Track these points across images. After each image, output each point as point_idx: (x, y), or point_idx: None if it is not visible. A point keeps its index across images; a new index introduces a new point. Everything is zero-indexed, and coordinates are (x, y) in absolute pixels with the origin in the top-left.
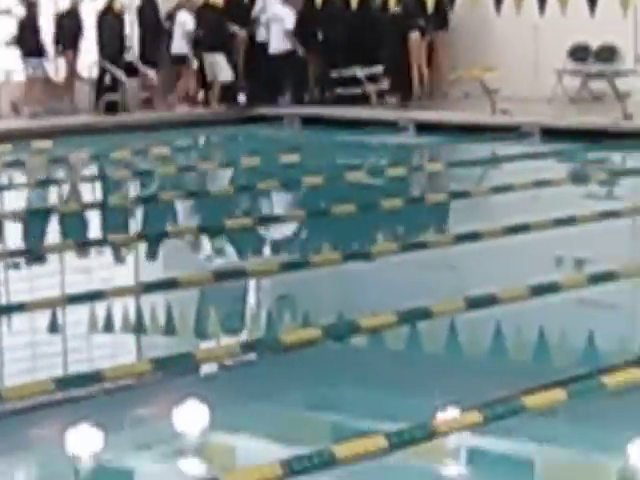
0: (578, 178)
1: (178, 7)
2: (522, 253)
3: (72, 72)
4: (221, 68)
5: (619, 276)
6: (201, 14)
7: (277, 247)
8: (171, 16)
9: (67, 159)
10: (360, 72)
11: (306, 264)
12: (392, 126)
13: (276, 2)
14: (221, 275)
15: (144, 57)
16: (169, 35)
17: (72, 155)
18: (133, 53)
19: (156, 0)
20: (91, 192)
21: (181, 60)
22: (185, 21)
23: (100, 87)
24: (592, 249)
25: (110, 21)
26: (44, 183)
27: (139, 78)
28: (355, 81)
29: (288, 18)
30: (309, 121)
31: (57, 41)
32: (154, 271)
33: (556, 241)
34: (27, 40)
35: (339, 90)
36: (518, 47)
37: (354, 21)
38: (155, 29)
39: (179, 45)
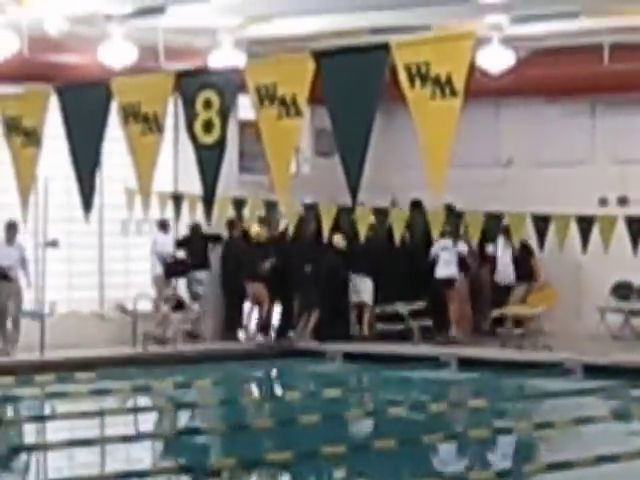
0: (620, 415)
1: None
2: None
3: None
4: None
5: None
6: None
7: None
8: None
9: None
10: (403, 308)
11: None
12: (435, 361)
13: None
14: None
15: None
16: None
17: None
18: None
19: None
20: (133, 423)
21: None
22: None
23: None
24: None
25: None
26: (86, 414)
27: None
28: (398, 317)
29: None
30: (351, 356)
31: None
32: None
33: (600, 478)
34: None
35: (381, 326)
36: (561, 284)
37: (399, 257)
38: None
39: None
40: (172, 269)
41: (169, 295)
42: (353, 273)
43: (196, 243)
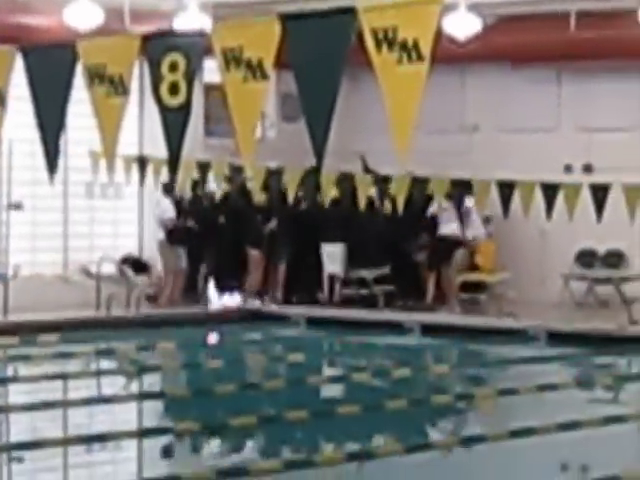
0: (583, 382)
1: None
2: (526, 456)
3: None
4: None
5: None
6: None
7: (281, 446)
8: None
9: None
10: (368, 274)
11: (309, 463)
12: (397, 328)
13: None
14: (224, 473)
15: None
16: None
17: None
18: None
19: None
20: (96, 386)
21: None
22: None
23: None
24: (596, 453)
25: None
26: (49, 377)
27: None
28: (362, 282)
29: None
30: (315, 321)
31: None
32: (157, 468)
33: (560, 445)
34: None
35: (346, 291)
36: (526, 251)
37: (361, 223)
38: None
39: None
40: (175, 236)
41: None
42: (324, 241)
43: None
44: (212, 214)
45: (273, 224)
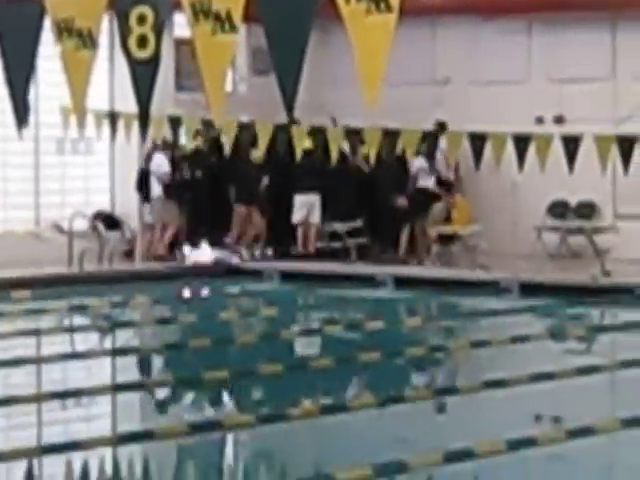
0: (556, 334)
1: None
2: (500, 408)
3: None
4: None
5: (596, 432)
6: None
7: (255, 400)
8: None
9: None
10: (340, 227)
11: (283, 417)
12: (370, 281)
13: None
14: (198, 427)
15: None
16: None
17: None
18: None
19: None
20: (69, 343)
21: None
22: None
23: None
24: (570, 404)
25: None
26: (22, 333)
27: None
28: (335, 236)
29: None
30: (288, 275)
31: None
32: (130, 422)
33: (534, 396)
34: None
35: (319, 244)
36: (498, 203)
37: (333, 176)
38: None
39: None
40: (171, 190)
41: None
42: (298, 192)
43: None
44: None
45: (266, 180)
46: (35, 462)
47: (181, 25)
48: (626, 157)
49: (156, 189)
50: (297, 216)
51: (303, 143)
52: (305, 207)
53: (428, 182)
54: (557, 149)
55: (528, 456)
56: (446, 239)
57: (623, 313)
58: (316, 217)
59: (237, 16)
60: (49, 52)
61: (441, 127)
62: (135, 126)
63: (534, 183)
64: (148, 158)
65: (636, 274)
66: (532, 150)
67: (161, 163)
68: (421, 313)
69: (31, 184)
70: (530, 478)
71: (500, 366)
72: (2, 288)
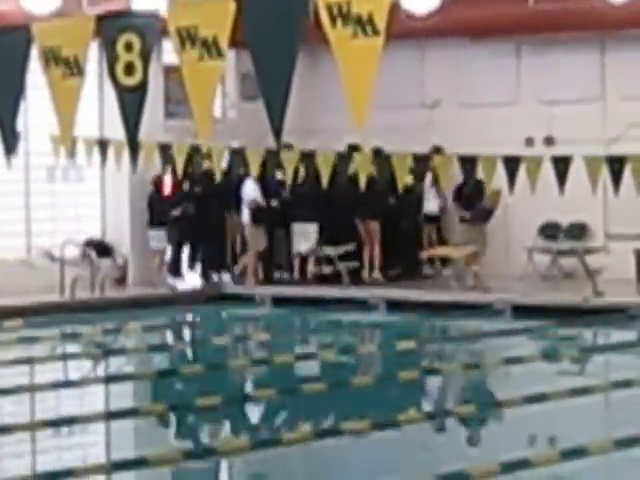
0: (549, 355)
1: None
2: (494, 430)
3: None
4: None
5: (590, 452)
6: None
7: (248, 426)
8: None
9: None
10: (332, 251)
11: (277, 442)
12: (363, 304)
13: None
14: (191, 454)
15: None
16: None
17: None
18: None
19: None
20: (62, 370)
21: None
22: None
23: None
24: (563, 426)
25: None
26: (14, 362)
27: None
28: (327, 260)
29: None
30: (280, 300)
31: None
32: (124, 449)
33: (528, 418)
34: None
35: (311, 269)
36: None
37: (326, 199)
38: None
39: None
40: (259, 216)
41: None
42: (295, 221)
43: None
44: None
45: (276, 202)
46: None
47: (170, 52)
48: (616, 178)
49: (245, 216)
50: (301, 246)
51: (292, 168)
52: (304, 236)
53: (433, 206)
54: (547, 170)
55: (522, 478)
56: (439, 262)
57: (616, 333)
58: (313, 244)
59: (224, 41)
60: (40, 80)
61: (437, 151)
62: (125, 153)
63: (525, 205)
64: (157, 183)
65: (628, 294)
66: (522, 172)
67: (250, 189)
68: (414, 336)
69: (22, 212)
70: None
71: (494, 388)
72: None
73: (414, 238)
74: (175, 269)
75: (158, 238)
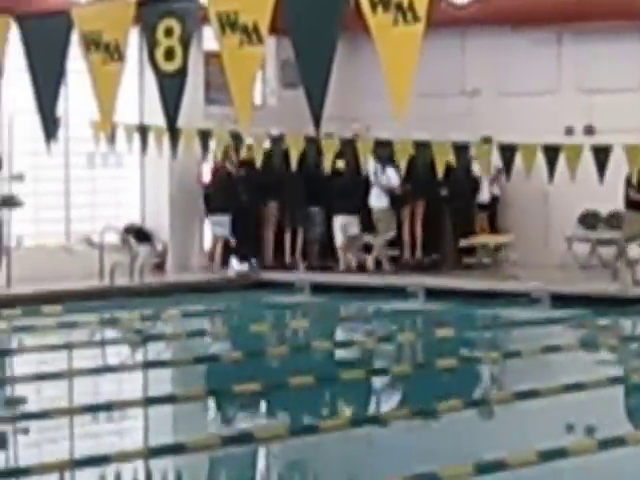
0: (588, 344)
1: None
2: (532, 419)
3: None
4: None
5: (627, 442)
6: None
7: (286, 413)
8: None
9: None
10: (372, 239)
11: (315, 429)
12: (402, 292)
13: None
14: (230, 440)
15: None
16: None
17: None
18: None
19: None
20: (101, 356)
21: None
22: None
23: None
24: (602, 414)
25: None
26: (54, 347)
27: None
28: (366, 248)
29: None
30: (319, 288)
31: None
32: (162, 435)
33: (566, 407)
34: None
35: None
36: (529, 213)
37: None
38: None
39: None
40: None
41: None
42: (338, 214)
43: None
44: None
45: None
46: (67, 475)
47: (211, 39)
48: None
49: (384, 200)
50: (339, 241)
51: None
52: (344, 229)
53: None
54: (587, 159)
55: (560, 467)
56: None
57: None
58: (355, 231)
59: (264, 28)
60: (80, 66)
61: (486, 142)
62: (166, 139)
63: (565, 193)
64: (216, 170)
65: None
66: (562, 160)
67: (391, 175)
68: (452, 324)
69: (62, 198)
70: None
71: (532, 377)
72: (34, 302)
73: (462, 226)
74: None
75: (221, 223)
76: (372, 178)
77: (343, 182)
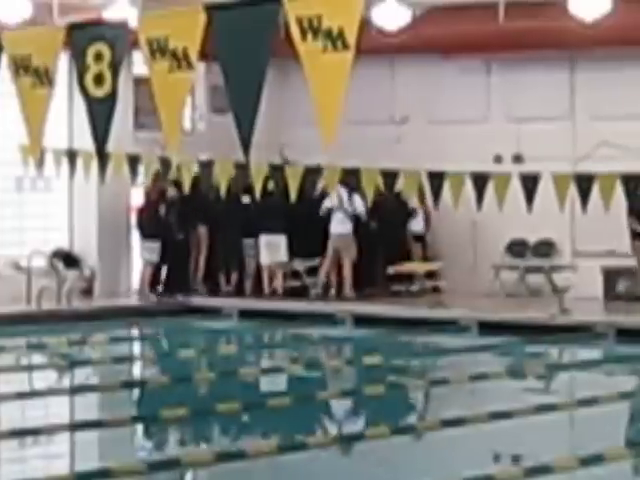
0: (515, 372)
1: None
2: (459, 446)
3: None
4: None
5: (554, 469)
6: None
7: (213, 438)
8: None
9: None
10: (299, 265)
11: (242, 455)
12: (330, 318)
13: None
14: (157, 465)
15: None
16: None
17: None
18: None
19: None
20: (28, 381)
21: None
22: None
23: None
24: (528, 442)
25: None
26: None
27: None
28: (295, 274)
29: None
30: (246, 313)
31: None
32: (89, 460)
33: (493, 435)
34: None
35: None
36: (456, 241)
37: (293, 214)
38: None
39: None
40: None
41: None
42: (263, 232)
43: None
44: None
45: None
46: None
47: (140, 63)
48: (584, 195)
49: (348, 226)
50: (265, 258)
51: (260, 182)
52: (270, 248)
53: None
54: (516, 188)
55: None
56: (405, 277)
57: (582, 351)
58: (283, 257)
59: (194, 53)
60: (8, 89)
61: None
62: (94, 164)
63: (493, 221)
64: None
65: (595, 312)
66: (491, 188)
67: (358, 203)
68: (380, 351)
69: None
70: None
71: (459, 404)
72: None
73: (395, 255)
74: (154, 282)
75: (151, 249)
76: (336, 204)
77: (271, 202)
